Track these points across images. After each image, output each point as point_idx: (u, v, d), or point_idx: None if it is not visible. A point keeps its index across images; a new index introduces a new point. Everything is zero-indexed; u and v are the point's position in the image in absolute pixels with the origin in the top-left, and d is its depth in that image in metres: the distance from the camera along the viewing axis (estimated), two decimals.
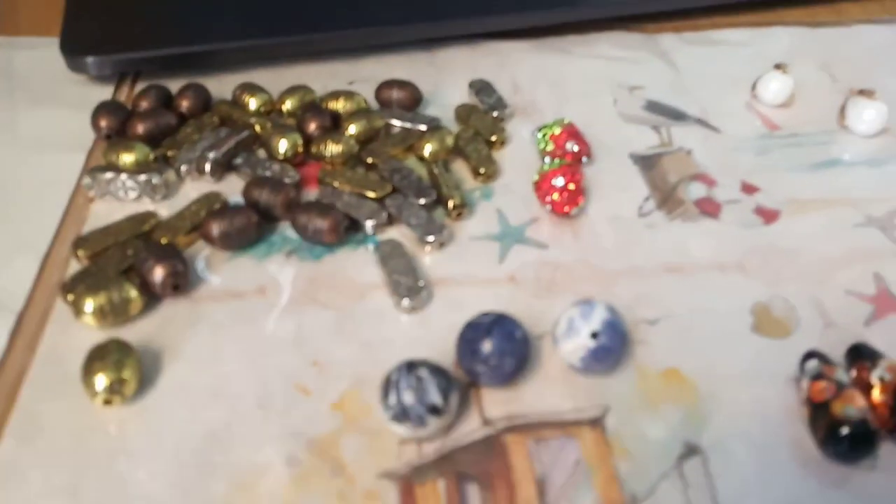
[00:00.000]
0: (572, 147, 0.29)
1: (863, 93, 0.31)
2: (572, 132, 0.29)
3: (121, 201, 0.27)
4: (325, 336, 0.23)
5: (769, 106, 0.32)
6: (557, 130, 0.29)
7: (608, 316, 0.21)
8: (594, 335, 0.21)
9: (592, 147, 0.29)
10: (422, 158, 0.28)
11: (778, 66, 0.32)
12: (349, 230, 0.26)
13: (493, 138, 0.30)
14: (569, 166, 0.26)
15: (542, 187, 0.26)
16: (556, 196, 0.26)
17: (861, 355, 0.21)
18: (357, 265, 0.25)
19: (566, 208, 0.26)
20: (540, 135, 0.29)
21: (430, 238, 0.25)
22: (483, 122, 0.30)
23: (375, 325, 0.23)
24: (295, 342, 0.23)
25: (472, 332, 0.21)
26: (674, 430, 0.21)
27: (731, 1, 0.38)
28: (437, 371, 0.20)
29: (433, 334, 0.23)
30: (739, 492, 0.19)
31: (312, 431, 0.20)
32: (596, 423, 0.21)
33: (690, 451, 0.20)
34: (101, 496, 0.19)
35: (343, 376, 0.22)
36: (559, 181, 0.26)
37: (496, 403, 0.21)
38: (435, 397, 0.19)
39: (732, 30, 0.38)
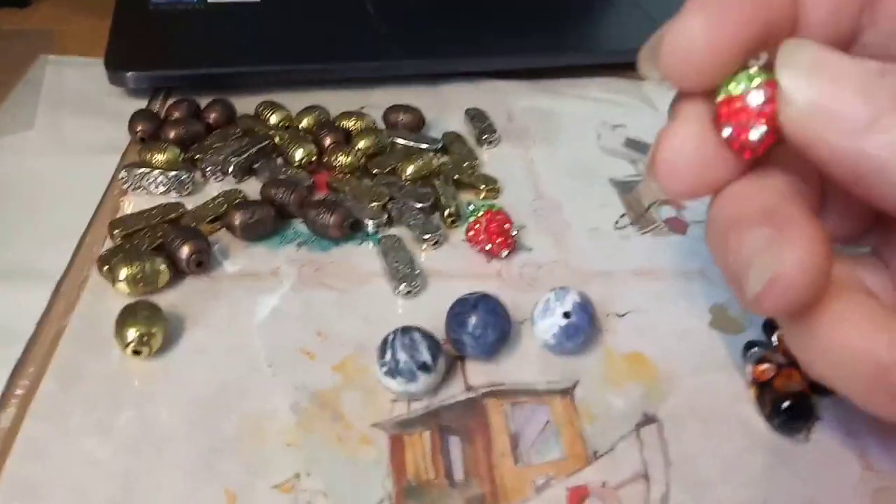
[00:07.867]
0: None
1: None
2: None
3: (150, 195, 0.30)
4: (329, 312, 0.26)
5: None
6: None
7: (579, 299, 0.24)
8: (566, 314, 0.23)
9: (573, 174, 0.32)
10: (426, 176, 0.32)
11: None
12: (353, 228, 0.29)
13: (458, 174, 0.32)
14: (496, 214, 0.28)
15: (473, 237, 0.28)
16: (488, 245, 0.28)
17: None
18: (360, 257, 0.28)
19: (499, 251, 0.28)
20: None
21: (427, 236, 0.28)
22: (461, 151, 0.33)
23: (374, 305, 0.26)
24: (302, 317, 0.25)
25: (460, 307, 0.24)
26: (635, 403, 0.23)
27: None
28: (428, 335, 0.22)
29: (425, 316, 0.25)
30: (689, 452, 0.22)
31: (315, 386, 0.23)
32: (566, 392, 0.23)
33: (648, 419, 0.23)
34: (129, 432, 0.21)
35: (344, 344, 0.24)
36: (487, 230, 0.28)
37: (479, 374, 0.24)
38: (425, 356, 0.22)
39: None
